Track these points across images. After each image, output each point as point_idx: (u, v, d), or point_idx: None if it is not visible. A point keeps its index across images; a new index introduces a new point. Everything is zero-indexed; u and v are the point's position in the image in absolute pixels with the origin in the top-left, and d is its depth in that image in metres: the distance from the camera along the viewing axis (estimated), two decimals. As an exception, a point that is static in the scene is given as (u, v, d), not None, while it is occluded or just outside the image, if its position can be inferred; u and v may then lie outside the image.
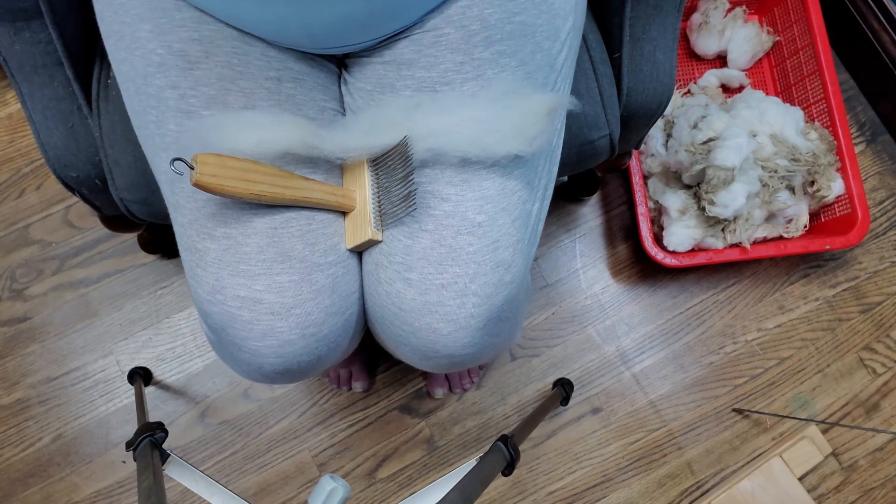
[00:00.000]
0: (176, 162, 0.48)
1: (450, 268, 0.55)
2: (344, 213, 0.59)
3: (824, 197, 1.10)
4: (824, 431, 1.17)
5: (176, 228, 0.60)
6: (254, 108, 0.56)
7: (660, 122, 1.15)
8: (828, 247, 1.09)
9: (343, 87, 0.63)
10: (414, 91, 0.56)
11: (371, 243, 0.58)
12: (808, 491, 1.14)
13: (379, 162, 0.57)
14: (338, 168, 0.60)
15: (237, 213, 0.55)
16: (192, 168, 0.48)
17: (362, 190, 0.57)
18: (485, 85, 0.56)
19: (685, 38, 1.27)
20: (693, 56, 1.28)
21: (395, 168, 0.55)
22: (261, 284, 0.55)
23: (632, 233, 1.23)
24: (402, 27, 0.56)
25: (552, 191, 0.64)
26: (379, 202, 0.57)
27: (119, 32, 0.57)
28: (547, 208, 0.64)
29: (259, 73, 0.56)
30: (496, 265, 0.56)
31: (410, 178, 0.54)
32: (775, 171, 1.05)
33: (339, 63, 0.63)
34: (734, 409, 1.18)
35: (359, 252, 0.61)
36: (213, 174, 0.48)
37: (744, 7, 1.24)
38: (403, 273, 0.56)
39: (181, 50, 0.55)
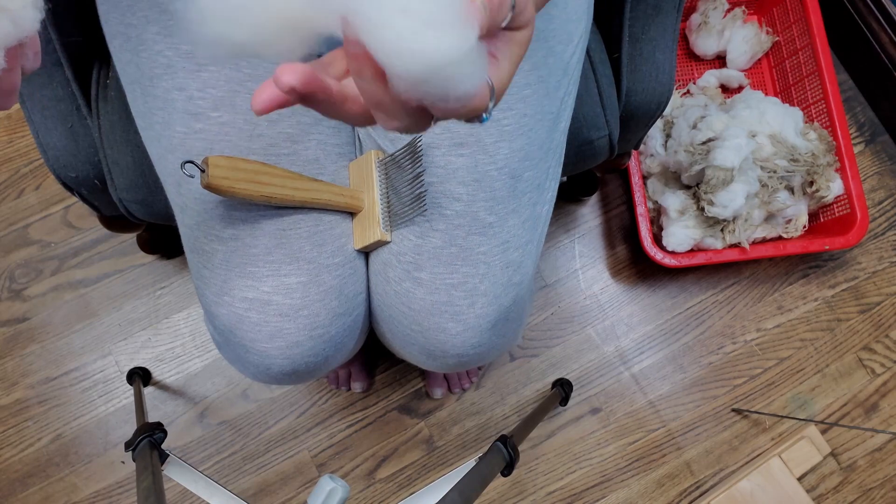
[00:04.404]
0: (187, 164, 0.48)
1: (460, 267, 0.55)
2: (352, 214, 0.59)
3: (823, 197, 1.10)
4: (823, 432, 1.17)
5: (182, 230, 0.60)
6: None
7: (659, 123, 1.15)
8: (827, 247, 1.09)
9: None
10: None
11: (380, 244, 0.58)
12: (808, 491, 1.14)
13: (388, 162, 0.57)
14: (345, 169, 0.60)
15: (245, 215, 0.55)
16: (202, 170, 0.48)
17: (371, 190, 0.57)
18: None
19: (684, 39, 1.27)
20: (692, 56, 1.28)
21: (405, 168, 0.55)
22: (269, 286, 0.55)
23: (631, 233, 1.23)
24: None
25: (556, 192, 0.65)
26: (388, 203, 0.57)
27: (125, 34, 0.57)
28: (552, 211, 0.64)
29: (268, 74, 0.56)
30: (506, 266, 0.57)
31: (420, 178, 0.54)
32: (774, 172, 1.05)
33: None
34: (733, 410, 1.18)
35: (365, 252, 0.61)
36: (224, 176, 0.48)
37: (743, 7, 1.24)
38: (413, 272, 0.56)
39: (189, 52, 0.55)
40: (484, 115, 0.33)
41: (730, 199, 1.02)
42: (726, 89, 1.25)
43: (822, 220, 1.16)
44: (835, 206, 1.13)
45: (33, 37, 0.33)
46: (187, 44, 0.55)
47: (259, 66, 0.56)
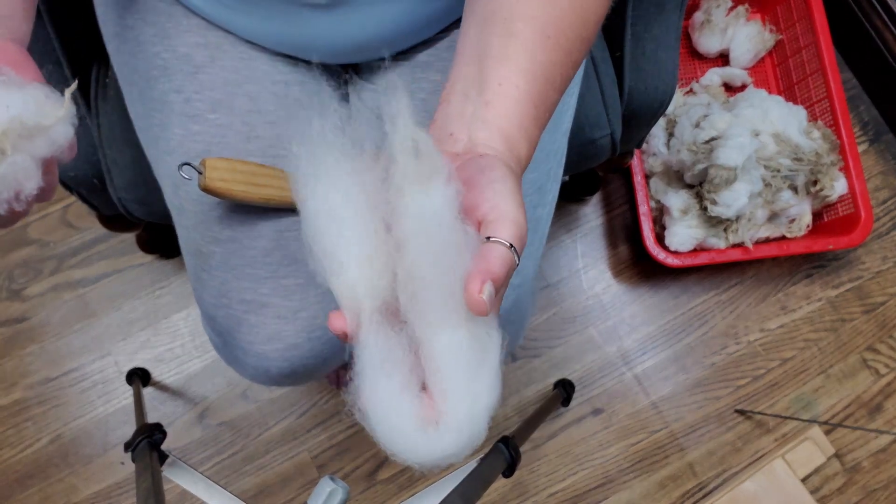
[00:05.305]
0: (184, 167, 0.48)
1: None
2: None
3: (827, 196, 1.10)
4: (827, 433, 1.17)
5: (179, 231, 0.59)
6: (259, 112, 0.54)
7: (662, 121, 1.14)
8: (831, 247, 1.08)
9: (350, 87, 0.62)
10: (428, 94, 0.56)
11: None
12: (811, 492, 1.13)
13: None
14: None
15: (242, 217, 0.54)
16: (200, 172, 0.47)
17: None
18: None
19: (687, 37, 1.27)
20: (695, 55, 1.27)
21: None
22: (267, 288, 0.54)
23: (633, 233, 1.22)
24: (422, 39, 0.56)
25: (557, 193, 0.64)
26: None
27: (122, 36, 0.57)
28: (553, 212, 0.64)
29: (265, 77, 0.56)
30: None
31: None
32: (778, 171, 1.05)
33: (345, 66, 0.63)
34: (736, 411, 1.18)
35: None
36: (222, 178, 0.48)
37: (746, 5, 1.23)
38: None
39: (186, 54, 0.54)
40: None
41: (733, 199, 1.01)
42: (729, 88, 1.25)
43: (825, 219, 1.15)
44: (838, 205, 1.13)
45: (70, 139, 0.35)
46: None
47: (257, 68, 0.56)
